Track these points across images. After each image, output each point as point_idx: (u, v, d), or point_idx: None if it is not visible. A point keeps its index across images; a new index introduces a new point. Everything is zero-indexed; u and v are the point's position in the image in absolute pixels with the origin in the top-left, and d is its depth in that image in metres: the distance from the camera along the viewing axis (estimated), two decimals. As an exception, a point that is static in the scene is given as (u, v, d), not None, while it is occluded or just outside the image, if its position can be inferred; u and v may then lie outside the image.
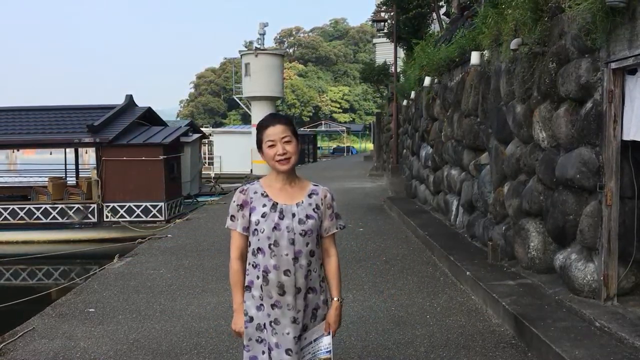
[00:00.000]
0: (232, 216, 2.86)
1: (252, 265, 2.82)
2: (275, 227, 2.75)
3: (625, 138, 4.64)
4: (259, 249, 2.78)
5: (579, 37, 4.93)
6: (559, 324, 4.59)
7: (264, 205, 2.80)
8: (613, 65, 4.59)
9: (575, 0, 4.97)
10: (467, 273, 6.36)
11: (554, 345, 4.17)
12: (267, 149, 2.80)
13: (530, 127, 6.05)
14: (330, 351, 2.86)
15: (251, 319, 2.81)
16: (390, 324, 5.32)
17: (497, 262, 6.69)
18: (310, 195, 2.87)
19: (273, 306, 2.77)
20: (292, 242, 2.75)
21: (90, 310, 6.03)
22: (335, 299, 2.92)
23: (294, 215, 2.78)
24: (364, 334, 5.07)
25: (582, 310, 4.72)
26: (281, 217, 2.77)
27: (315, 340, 2.86)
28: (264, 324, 2.79)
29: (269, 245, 2.74)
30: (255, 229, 2.78)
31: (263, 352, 2.79)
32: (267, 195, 2.83)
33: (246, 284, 2.84)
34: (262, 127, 2.84)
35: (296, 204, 2.82)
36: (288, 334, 2.76)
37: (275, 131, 2.79)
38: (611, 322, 4.40)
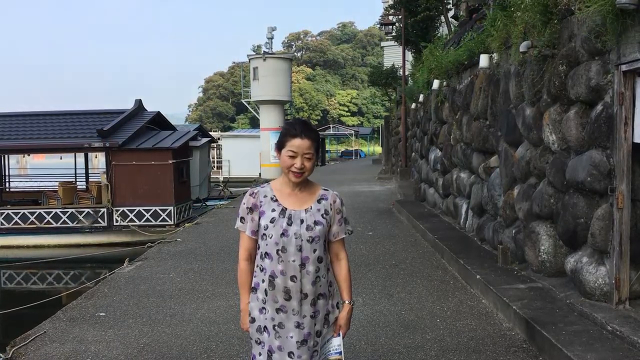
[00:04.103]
0: (242, 218, 2.87)
1: (260, 268, 2.84)
2: (284, 234, 2.76)
3: (636, 140, 4.61)
4: (266, 253, 2.79)
5: (588, 40, 4.90)
6: (570, 328, 4.56)
7: (273, 210, 2.80)
8: (624, 68, 4.57)
9: (585, 2, 4.95)
10: (477, 277, 6.34)
11: (565, 350, 4.14)
12: (287, 157, 2.76)
13: (540, 129, 6.03)
14: (340, 352, 2.88)
15: (253, 320, 2.85)
16: (400, 327, 5.31)
17: (508, 266, 6.65)
18: (319, 201, 2.87)
19: (278, 310, 2.78)
20: (300, 249, 2.76)
21: (101, 314, 6.06)
22: (347, 301, 2.93)
23: (302, 221, 2.78)
24: (374, 337, 5.06)
25: (594, 314, 4.68)
26: (289, 223, 2.77)
27: (325, 342, 2.89)
28: (264, 326, 2.81)
29: (277, 251, 2.76)
30: (264, 234, 2.79)
31: (260, 354, 2.83)
32: (276, 200, 2.83)
33: (252, 285, 2.88)
34: (290, 134, 2.76)
35: (305, 209, 2.82)
36: (291, 337, 2.77)
37: (302, 145, 2.73)
38: (623, 326, 4.37)
